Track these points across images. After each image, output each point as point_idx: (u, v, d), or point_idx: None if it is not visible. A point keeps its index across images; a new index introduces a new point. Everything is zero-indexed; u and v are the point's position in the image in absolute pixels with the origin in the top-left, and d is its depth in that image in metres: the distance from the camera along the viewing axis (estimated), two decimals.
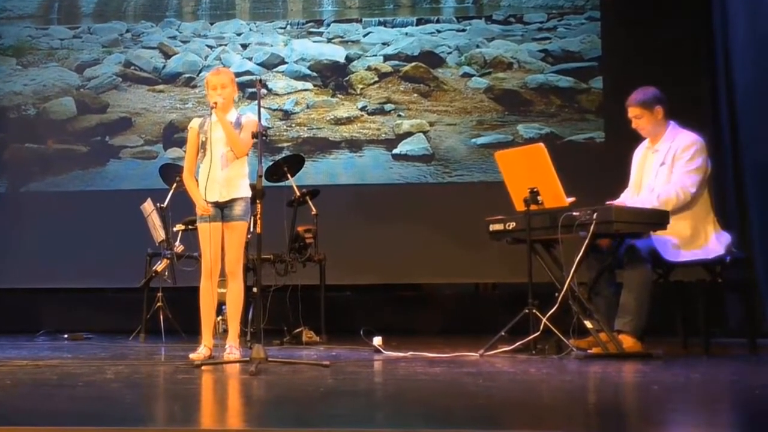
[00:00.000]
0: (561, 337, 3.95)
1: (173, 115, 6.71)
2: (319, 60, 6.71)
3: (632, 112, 4.30)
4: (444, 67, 6.62)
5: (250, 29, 6.81)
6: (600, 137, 6.41)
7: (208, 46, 6.80)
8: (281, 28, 6.80)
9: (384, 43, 6.69)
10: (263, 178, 3.71)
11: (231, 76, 4.06)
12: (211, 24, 6.84)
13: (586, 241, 3.90)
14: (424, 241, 6.19)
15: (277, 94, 6.69)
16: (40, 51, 6.87)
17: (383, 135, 6.60)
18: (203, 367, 3.59)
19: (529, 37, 6.58)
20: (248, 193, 4.03)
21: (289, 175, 5.31)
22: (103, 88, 6.79)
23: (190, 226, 4.99)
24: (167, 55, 6.81)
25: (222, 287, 4.18)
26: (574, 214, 3.94)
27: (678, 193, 4.12)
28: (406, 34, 6.68)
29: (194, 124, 4.08)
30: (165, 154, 6.61)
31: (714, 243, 4.17)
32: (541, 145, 4.13)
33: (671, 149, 4.22)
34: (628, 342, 3.95)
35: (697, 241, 4.17)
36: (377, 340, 4.34)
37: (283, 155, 6.07)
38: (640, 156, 4.42)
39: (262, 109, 3.86)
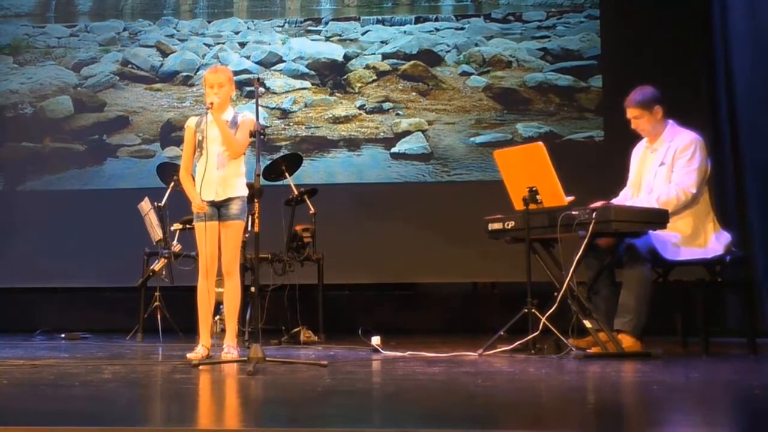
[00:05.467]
0: (560, 336, 3.96)
1: (171, 113, 6.71)
2: (317, 58, 6.71)
3: (631, 112, 4.29)
4: (443, 66, 6.62)
5: (248, 28, 6.81)
6: (599, 136, 6.41)
7: (205, 44, 6.80)
8: (279, 26, 6.80)
9: (382, 42, 6.69)
10: (261, 177, 3.70)
11: (229, 75, 4.05)
12: (209, 22, 6.84)
13: (585, 241, 3.90)
14: (423, 240, 6.20)
15: (275, 93, 6.69)
16: (36, 49, 6.87)
17: (382, 134, 6.59)
18: (201, 367, 3.59)
19: (528, 35, 6.58)
20: (244, 192, 4.03)
21: (287, 174, 5.31)
22: (101, 87, 6.79)
23: (187, 226, 5.00)
24: (165, 54, 6.80)
25: (219, 287, 4.17)
26: (574, 213, 3.94)
27: (678, 194, 4.12)
28: (405, 32, 6.68)
29: (191, 123, 4.08)
30: (162, 153, 6.62)
31: (713, 242, 4.18)
32: (540, 143, 4.13)
33: (670, 149, 4.23)
34: (627, 341, 3.96)
35: (697, 240, 4.18)
36: (376, 340, 4.35)
37: (281, 154, 6.06)
38: (639, 155, 4.42)
39: (260, 108, 3.85)
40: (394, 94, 6.62)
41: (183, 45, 6.80)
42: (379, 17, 6.73)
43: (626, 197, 4.37)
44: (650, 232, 4.04)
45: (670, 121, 4.31)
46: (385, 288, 6.55)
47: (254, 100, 3.86)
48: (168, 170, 5.36)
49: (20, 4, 6.92)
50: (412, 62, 6.63)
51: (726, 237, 4.21)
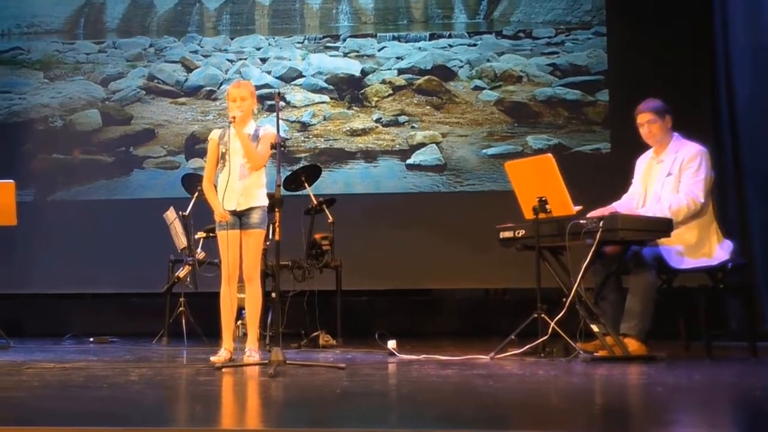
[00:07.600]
0: (568, 340, 4.01)
1: (195, 126, 6.83)
2: (335, 73, 6.81)
3: (645, 117, 4.33)
4: (456, 81, 6.71)
5: (269, 44, 6.91)
6: (606, 148, 6.48)
7: (228, 60, 6.91)
8: (299, 42, 6.90)
9: (398, 57, 6.79)
10: (282, 187, 3.79)
11: (251, 89, 4.14)
12: (232, 39, 6.94)
13: (593, 248, 3.96)
14: (437, 247, 6.25)
15: (295, 107, 6.79)
16: (66, 65, 6.99)
17: (397, 146, 6.69)
18: (224, 370, 3.66)
19: (538, 51, 6.66)
20: (265, 202, 4.10)
21: (306, 185, 5.38)
22: (128, 101, 6.91)
23: (211, 234, 5.01)
24: (189, 69, 6.92)
25: (241, 292, 4.24)
26: (582, 222, 4.02)
27: (689, 203, 4.16)
28: (420, 48, 6.78)
29: (214, 135, 4.17)
30: (187, 164, 6.72)
31: (719, 252, 4.21)
32: (550, 155, 4.21)
33: (677, 160, 4.27)
34: (633, 345, 4.01)
35: (702, 249, 4.21)
36: (391, 344, 4.40)
37: (301, 165, 6.15)
38: (644, 165, 4.46)
39: (280, 121, 3.91)
40: (410, 108, 6.72)
41: (206, 61, 6.92)
42: (395, 34, 6.82)
43: (631, 203, 4.41)
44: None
45: (676, 134, 4.35)
46: (400, 294, 6.58)
47: (275, 114, 3.92)
48: (192, 181, 5.43)
49: (50, 21, 7.04)
50: (426, 77, 6.72)
51: (729, 245, 4.25)
